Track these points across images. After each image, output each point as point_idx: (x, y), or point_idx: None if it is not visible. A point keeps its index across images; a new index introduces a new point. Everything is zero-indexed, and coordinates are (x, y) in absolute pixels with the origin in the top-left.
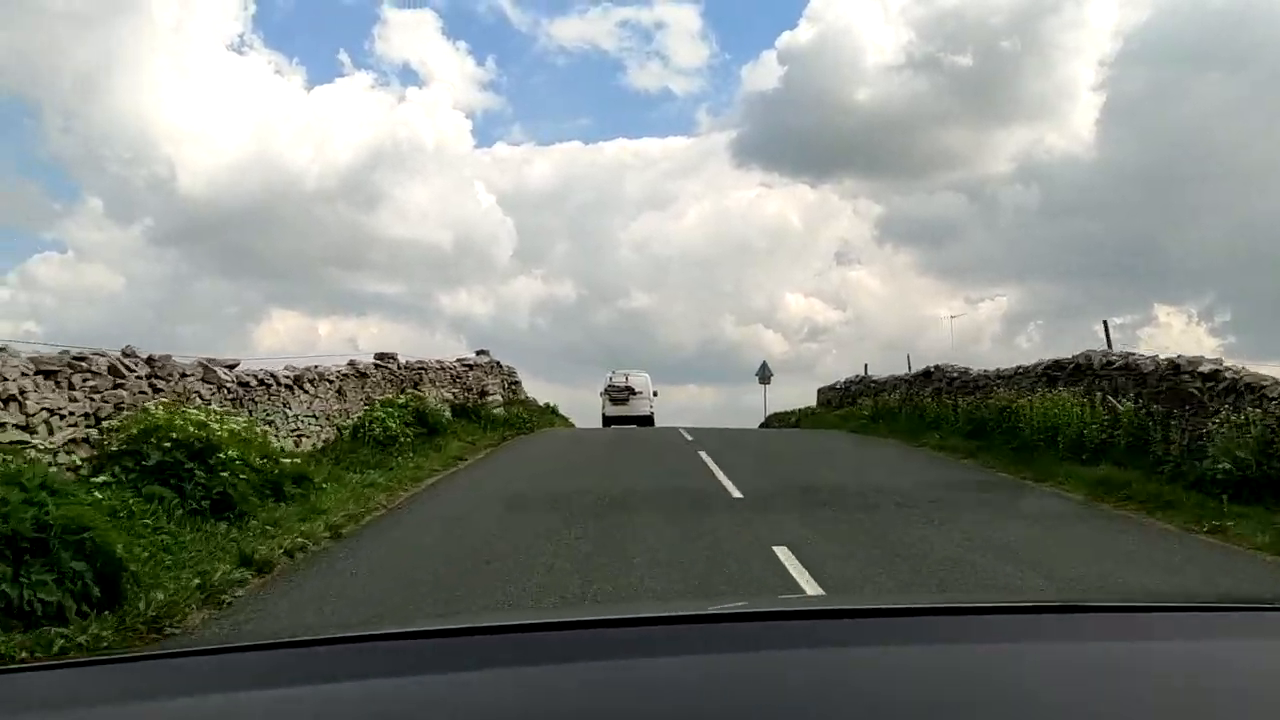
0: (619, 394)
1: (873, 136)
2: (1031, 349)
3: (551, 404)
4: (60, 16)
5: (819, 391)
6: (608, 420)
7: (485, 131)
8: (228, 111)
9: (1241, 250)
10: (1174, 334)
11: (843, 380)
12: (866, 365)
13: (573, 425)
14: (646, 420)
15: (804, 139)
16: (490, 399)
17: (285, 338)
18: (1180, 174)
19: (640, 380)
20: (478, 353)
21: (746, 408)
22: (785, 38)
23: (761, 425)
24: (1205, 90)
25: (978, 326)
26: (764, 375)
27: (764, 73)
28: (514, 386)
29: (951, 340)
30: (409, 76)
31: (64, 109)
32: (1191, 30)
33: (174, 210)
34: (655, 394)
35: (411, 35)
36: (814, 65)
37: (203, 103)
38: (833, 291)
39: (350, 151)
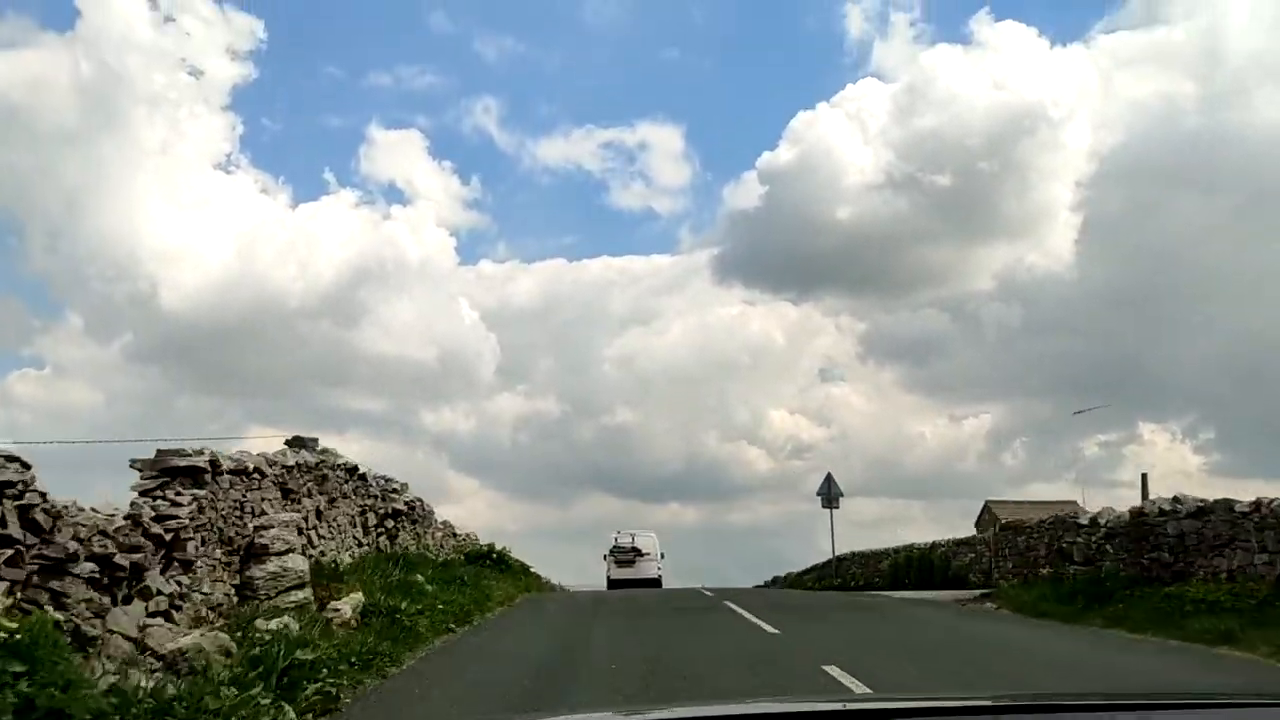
0: (625, 555)
1: (854, 254)
2: (1016, 465)
3: (501, 551)
4: (48, 136)
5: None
6: (613, 583)
7: (469, 249)
8: (213, 229)
9: (1223, 368)
10: (1158, 451)
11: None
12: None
13: (551, 589)
14: (654, 583)
15: (786, 257)
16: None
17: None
18: (1160, 292)
19: (648, 541)
20: (288, 442)
21: (730, 527)
22: (766, 158)
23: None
24: (1182, 210)
25: (962, 444)
26: (829, 495)
27: (745, 192)
28: (400, 519)
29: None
30: (394, 194)
31: (49, 228)
32: (1166, 152)
33: (155, 327)
34: (662, 555)
35: (397, 154)
36: (794, 185)
37: (188, 221)
38: (816, 408)
39: (334, 268)
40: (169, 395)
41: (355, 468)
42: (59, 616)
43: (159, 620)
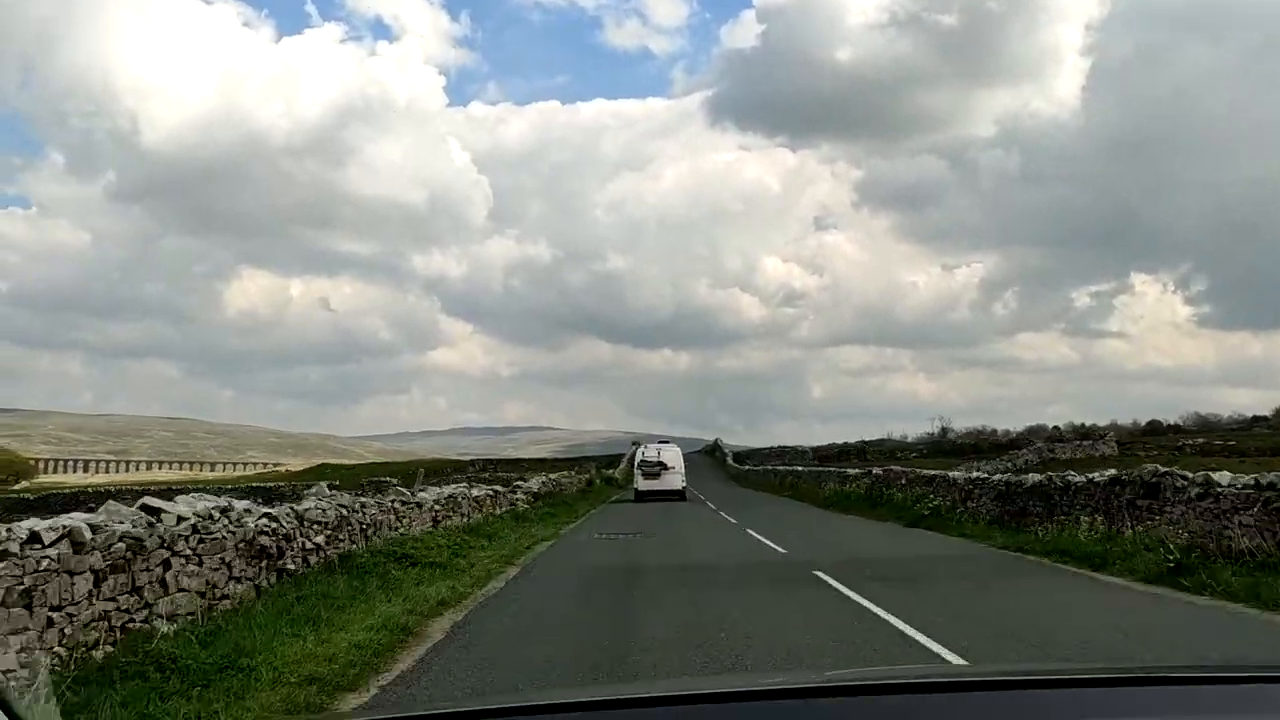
0: (651, 469)
1: (853, 98)
2: (1007, 316)
3: None
4: None
5: None
6: (640, 494)
7: (459, 89)
8: (193, 63)
9: (1221, 220)
10: (1148, 302)
11: None
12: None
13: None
14: (679, 495)
15: (782, 100)
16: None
17: (256, 298)
18: (1163, 141)
19: (672, 454)
20: None
21: (721, 373)
22: None
23: None
24: (1190, 56)
25: (954, 294)
26: None
27: (743, 31)
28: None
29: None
30: (380, 30)
31: (22, 62)
32: None
33: (137, 166)
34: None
35: None
36: (794, 24)
37: (167, 54)
38: (810, 256)
39: (319, 107)
40: (155, 237)
41: None
42: None
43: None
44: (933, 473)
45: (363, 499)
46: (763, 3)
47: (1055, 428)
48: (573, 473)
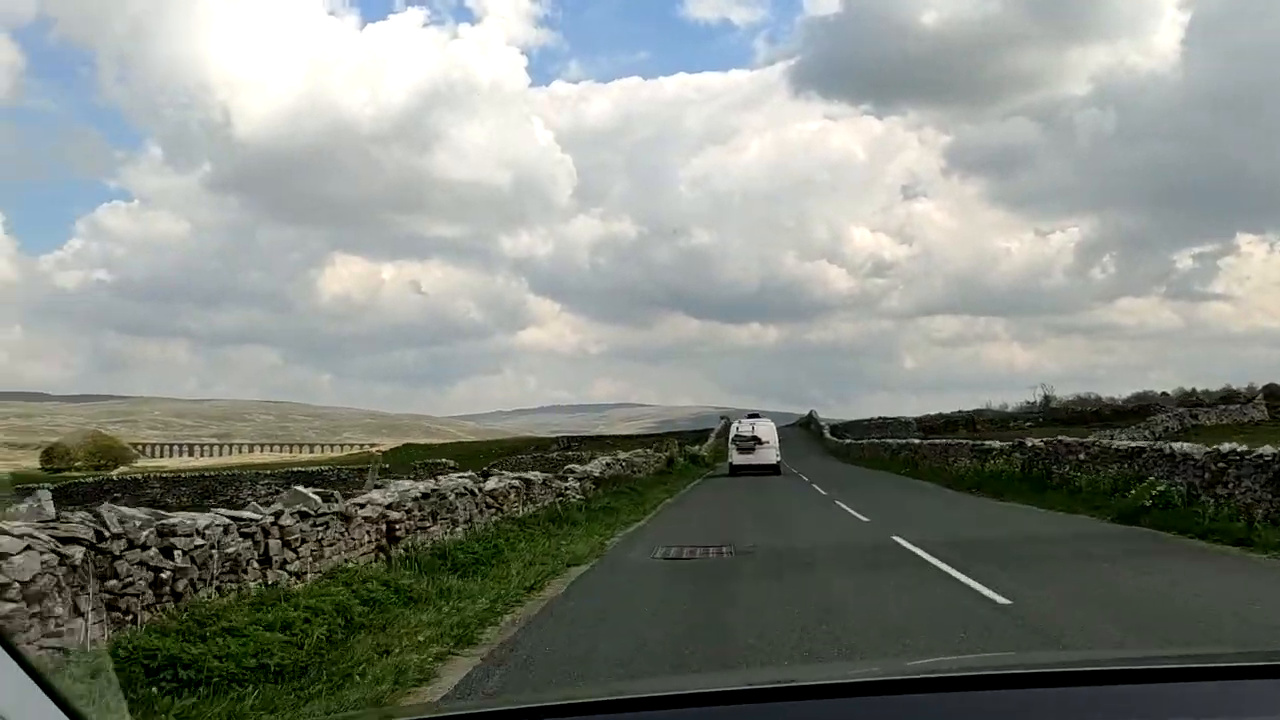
0: (746, 444)
1: (940, 61)
2: (1105, 281)
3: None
4: None
5: None
6: (735, 469)
7: (541, 68)
8: (281, 53)
9: None
10: (1254, 263)
11: None
12: None
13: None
14: (773, 469)
15: (866, 66)
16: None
17: (350, 283)
18: (1268, 95)
19: (766, 429)
20: None
21: (811, 346)
22: None
23: None
24: None
25: (1048, 259)
26: None
27: None
28: None
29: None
30: (462, 13)
31: (119, 56)
32: None
33: (231, 156)
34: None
35: None
36: None
37: (256, 45)
38: (898, 226)
39: (405, 93)
40: (251, 226)
41: None
42: None
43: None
44: (1131, 444)
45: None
46: None
47: (1163, 393)
48: (649, 451)
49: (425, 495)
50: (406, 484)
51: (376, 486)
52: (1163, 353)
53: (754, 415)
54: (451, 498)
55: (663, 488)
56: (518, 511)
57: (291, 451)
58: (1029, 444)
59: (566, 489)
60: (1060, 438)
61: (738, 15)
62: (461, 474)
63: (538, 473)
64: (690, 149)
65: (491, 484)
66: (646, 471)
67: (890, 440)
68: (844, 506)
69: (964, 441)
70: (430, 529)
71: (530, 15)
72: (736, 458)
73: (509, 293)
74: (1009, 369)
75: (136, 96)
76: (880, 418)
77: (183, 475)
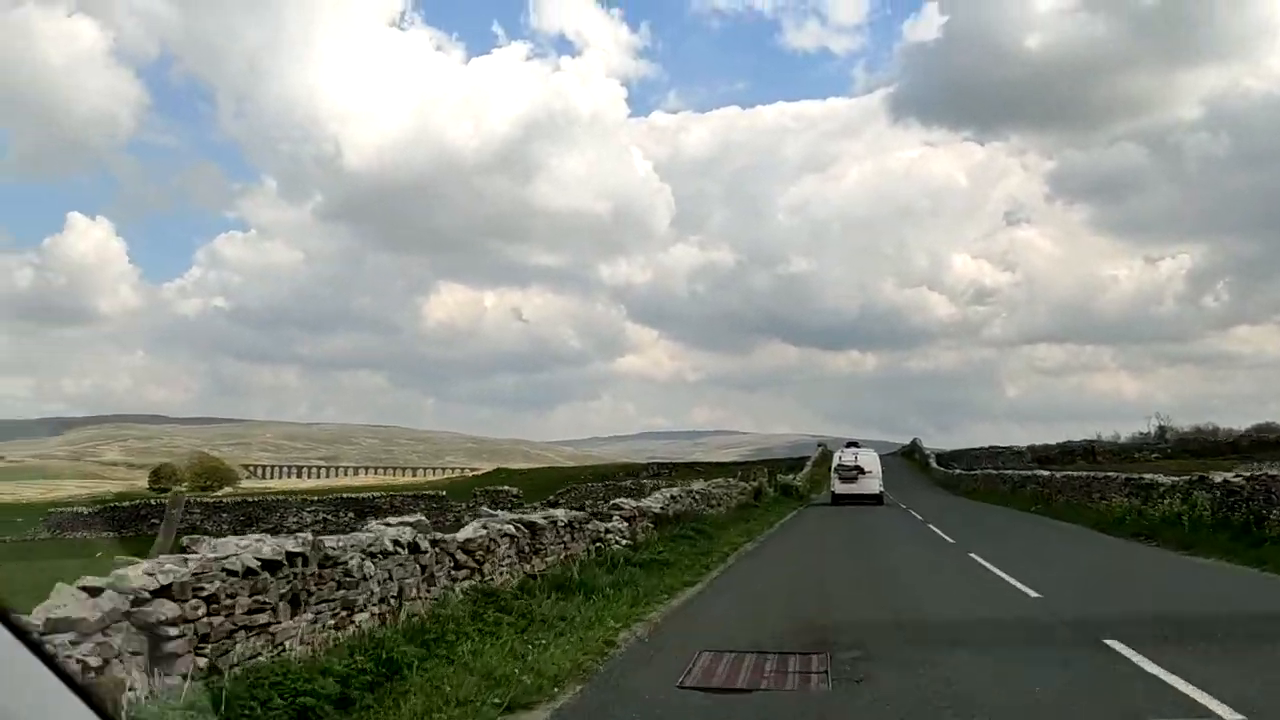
0: (848, 473)
1: (1044, 85)
2: (1219, 309)
3: None
4: (228, 0)
5: None
6: (837, 498)
7: (641, 99)
8: (390, 88)
9: None
10: None
11: None
12: None
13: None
14: (875, 499)
15: (967, 92)
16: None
17: (454, 310)
18: None
19: (869, 459)
20: None
21: (910, 374)
22: None
23: None
24: None
25: (1158, 286)
26: None
27: (925, 24)
28: None
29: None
30: (564, 46)
31: (237, 93)
32: None
33: (341, 187)
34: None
35: (566, 4)
36: (978, 12)
37: (366, 80)
38: (1000, 252)
39: (507, 124)
40: (360, 254)
41: None
42: None
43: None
44: None
45: None
46: None
47: None
48: (731, 481)
49: (271, 565)
50: (284, 543)
51: (181, 549)
52: None
53: (853, 444)
54: (356, 563)
55: (742, 527)
56: (505, 576)
57: (394, 475)
58: (1219, 479)
59: (607, 532)
60: (1268, 472)
61: (837, 44)
62: (501, 512)
63: (565, 510)
64: (788, 177)
65: (468, 532)
66: (726, 505)
67: (1009, 471)
68: (984, 563)
69: (1111, 474)
70: (278, 630)
71: (630, 47)
72: (839, 487)
73: (608, 320)
74: (1116, 399)
75: (253, 131)
76: (990, 447)
77: (286, 498)
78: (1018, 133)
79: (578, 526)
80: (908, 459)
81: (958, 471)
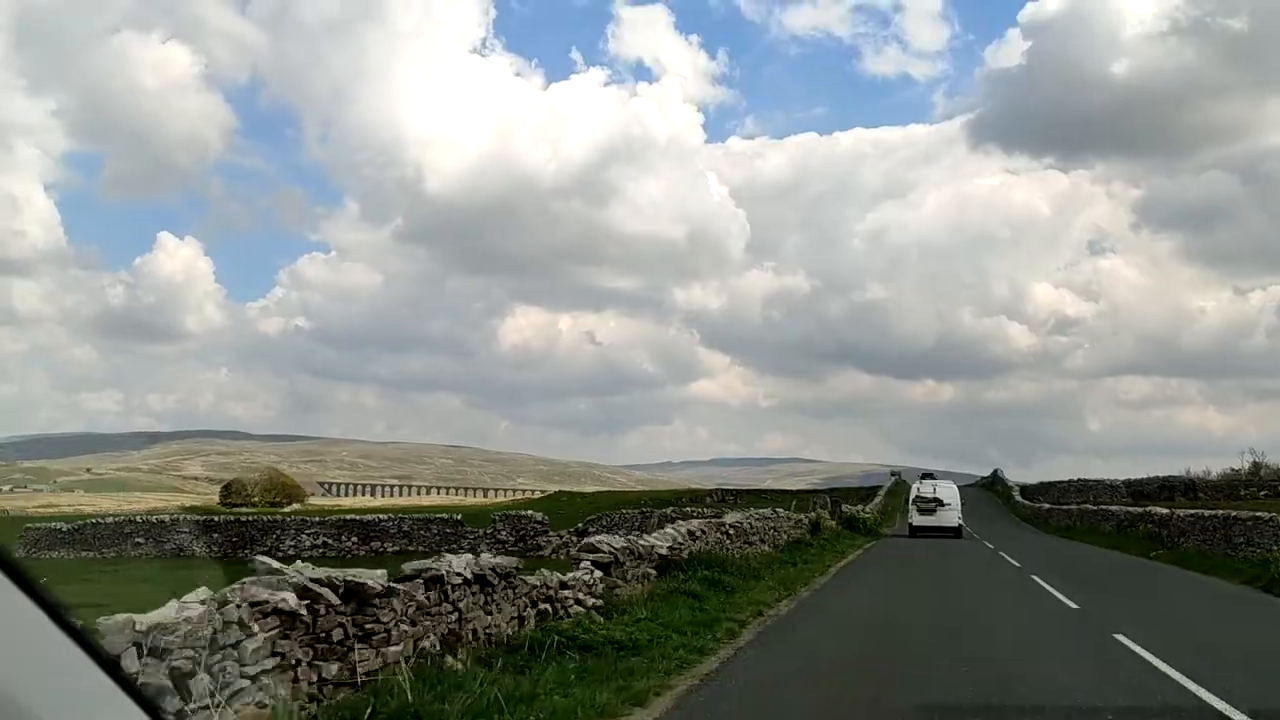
0: (927, 504)
1: (1130, 113)
2: None
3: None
4: (314, 27)
5: None
6: (915, 530)
7: (717, 125)
8: (470, 113)
9: None
10: None
11: None
12: None
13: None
14: (954, 532)
15: (1051, 119)
16: None
17: (529, 333)
18: None
19: (948, 491)
20: None
21: (988, 406)
22: (1030, 9)
23: None
24: None
25: (1249, 319)
26: None
27: (1008, 50)
28: None
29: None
30: (642, 72)
31: (321, 118)
32: None
33: (421, 210)
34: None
35: (644, 31)
36: (1063, 38)
37: (447, 105)
38: (1084, 282)
39: (584, 149)
40: (438, 276)
41: None
42: None
43: None
44: None
45: None
46: (1029, 19)
47: None
48: (781, 512)
49: None
50: None
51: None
52: None
53: (929, 475)
54: None
55: (784, 573)
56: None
57: (466, 495)
58: None
59: (564, 587)
60: None
61: (917, 69)
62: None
63: (491, 556)
64: (865, 204)
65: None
66: (773, 542)
67: (1114, 507)
68: (1159, 664)
69: (1261, 515)
70: None
71: (708, 73)
72: (917, 519)
73: (681, 345)
74: (1203, 434)
75: (337, 155)
76: (1078, 480)
77: (342, 517)
78: (1103, 160)
79: (499, 583)
80: (988, 491)
81: (1044, 506)
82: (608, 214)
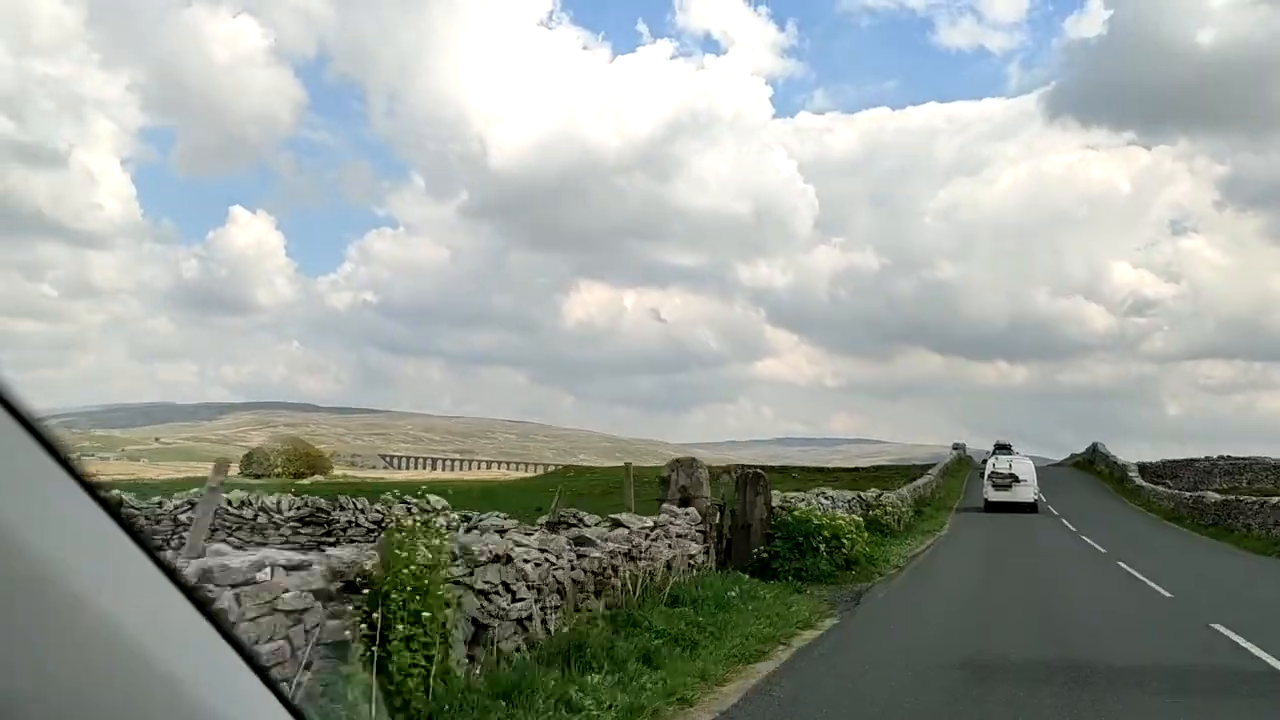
0: (1002, 480)
1: (1217, 85)
2: None
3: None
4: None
5: None
6: (990, 505)
7: (786, 98)
8: (536, 87)
9: None
10: None
11: None
12: None
13: None
14: (1029, 507)
15: (1131, 91)
16: None
17: (594, 309)
18: None
19: (1024, 467)
20: None
21: (1062, 388)
22: None
23: None
24: None
25: None
26: None
27: (1088, 21)
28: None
29: None
30: (710, 45)
31: (388, 92)
32: None
33: (486, 185)
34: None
35: (712, 2)
36: (1147, 7)
37: (513, 79)
38: (1164, 262)
39: (650, 123)
40: (503, 251)
41: None
42: None
43: None
44: None
45: None
46: None
47: None
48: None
49: None
50: None
51: None
52: None
53: (1003, 447)
54: None
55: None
56: None
57: (526, 470)
58: None
59: None
60: None
61: (993, 42)
62: None
63: None
64: (938, 180)
65: None
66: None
67: None
68: None
69: None
70: None
71: (776, 45)
72: (992, 494)
73: (747, 323)
74: None
75: (404, 130)
76: (1226, 458)
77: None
78: (1186, 135)
79: None
80: (1087, 470)
81: (1190, 495)
82: (673, 189)
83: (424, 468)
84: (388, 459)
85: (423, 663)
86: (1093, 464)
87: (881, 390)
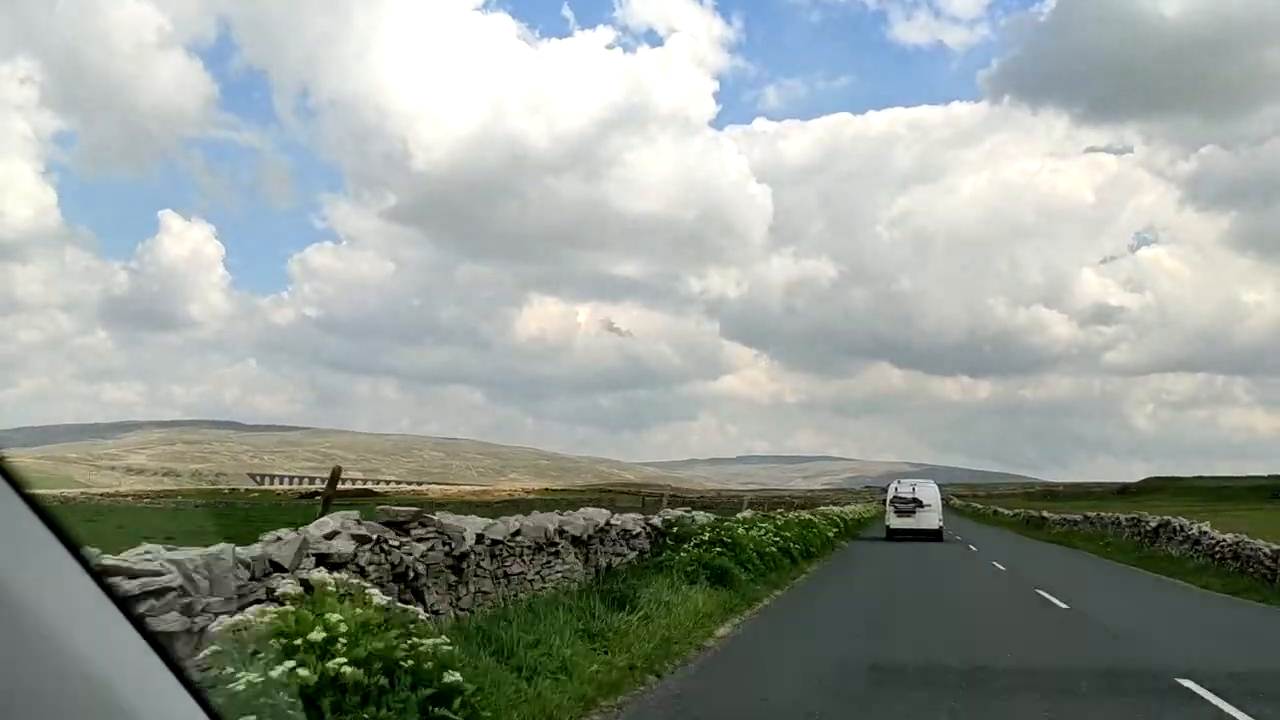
0: (905, 505)
1: (1182, 62)
2: None
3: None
4: None
5: None
6: (892, 532)
7: (732, 96)
8: (463, 78)
9: None
10: None
11: None
12: None
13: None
14: (934, 535)
15: (1085, 70)
16: None
17: (546, 323)
18: None
19: (929, 492)
20: None
21: (1025, 405)
22: None
23: None
24: None
25: None
26: None
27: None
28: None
29: None
30: (651, 37)
31: (298, 83)
32: None
33: (413, 188)
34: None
35: None
36: None
37: (439, 71)
38: (1127, 271)
39: (583, 119)
40: (444, 263)
41: None
42: None
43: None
44: None
45: None
46: None
47: None
48: None
49: None
50: None
51: None
52: None
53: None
54: None
55: None
56: None
57: (453, 488)
58: None
59: None
60: None
61: (952, 38)
62: None
63: None
64: (893, 189)
65: None
66: None
67: None
68: None
69: None
70: None
71: (722, 40)
72: (895, 521)
73: (702, 337)
74: (1249, 435)
75: (321, 129)
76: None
77: None
78: (1139, 120)
79: None
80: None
81: None
82: (603, 190)
83: (296, 484)
84: (258, 477)
85: None
86: None
87: (843, 407)
